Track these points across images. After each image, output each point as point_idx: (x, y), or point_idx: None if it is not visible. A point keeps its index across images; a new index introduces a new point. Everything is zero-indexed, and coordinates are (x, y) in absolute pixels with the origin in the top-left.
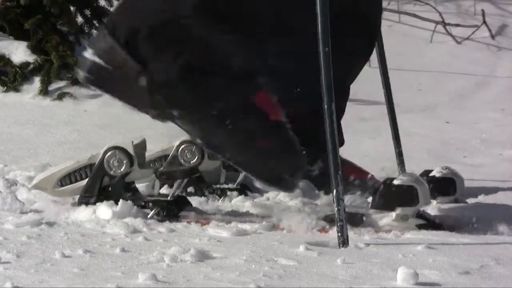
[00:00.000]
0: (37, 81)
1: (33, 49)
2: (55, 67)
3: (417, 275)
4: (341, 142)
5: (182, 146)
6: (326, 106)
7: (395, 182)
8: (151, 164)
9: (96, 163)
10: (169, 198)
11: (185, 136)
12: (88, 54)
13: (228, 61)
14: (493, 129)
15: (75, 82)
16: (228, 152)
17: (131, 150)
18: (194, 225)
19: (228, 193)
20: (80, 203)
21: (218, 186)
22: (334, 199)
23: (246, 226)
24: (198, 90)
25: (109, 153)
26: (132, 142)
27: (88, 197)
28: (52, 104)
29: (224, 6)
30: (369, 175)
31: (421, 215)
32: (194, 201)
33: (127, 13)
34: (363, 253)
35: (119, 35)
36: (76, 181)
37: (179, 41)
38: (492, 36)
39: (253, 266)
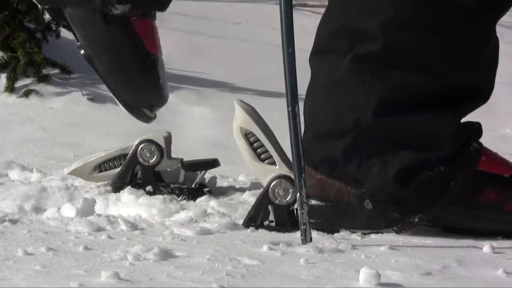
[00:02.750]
0: (3, 78)
1: (0, 46)
2: (21, 64)
3: (379, 275)
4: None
5: (141, 146)
6: (290, 108)
7: None
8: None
9: (130, 153)
10: (193, 186)
11: (143, 136)
12: None
13: None
14: None
15: (41, 79)
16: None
17: (162, 143)
18: (158, 224)
19: (187, 192)
20: (114, 188)
21: (177, 185)
22: (298, 202)
23: (210, 225)
24: None
25: (142, 145)
26: (163, 135)
27: (121, 183)
28: (18, 101)
29: None
30: None
31: None
32: (156, 200)
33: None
34: (326, 253)
35: None
36: (110, 168)
37: None
38: None
39: (216, 265)
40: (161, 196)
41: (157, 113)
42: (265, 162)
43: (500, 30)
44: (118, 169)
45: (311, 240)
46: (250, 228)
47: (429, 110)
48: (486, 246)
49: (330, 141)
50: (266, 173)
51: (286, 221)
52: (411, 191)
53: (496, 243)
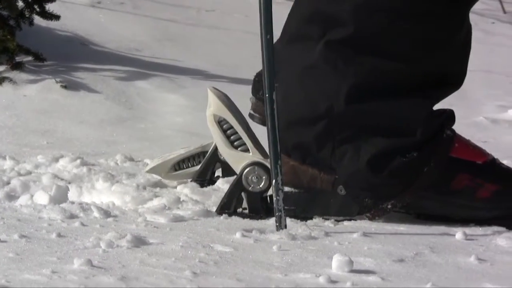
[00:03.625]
0: None
1: None
2: None
3: (352, 262)
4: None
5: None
6: (267, 95)
7: None
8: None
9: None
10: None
11: None
12: None
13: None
14: None
15: (14, 67)
16: None
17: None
18: (131, 211)
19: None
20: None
21: None
22: (273, 189)
23: (183, 213)
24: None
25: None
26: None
27: (202, 181)
28: None
29: None
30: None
31: None
32: (129, 187)
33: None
34: (299, 240)
35: None
36: (189, 167)
37: None
38: None
39: (189, 252)
40: (134, 184)
41: (130, 100)
42: (238, 149)
43: (474, 18)
44: (198, 167)
45: (285, 226)
46: (223, 215)
47: (401, 96)
48: (458, 233)
49: (303, 127)
50: (239, 160)
51: (259, 208)
52: (384, 177)
53: (468, 230)
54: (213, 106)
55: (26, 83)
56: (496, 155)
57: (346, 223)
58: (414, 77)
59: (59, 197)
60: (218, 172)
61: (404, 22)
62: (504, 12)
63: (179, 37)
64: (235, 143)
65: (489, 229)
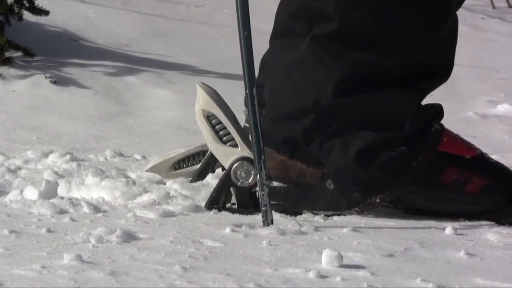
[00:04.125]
0: None
1: None
2: None
3: (342, 257)
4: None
5: None
6: (247, 91)
7: None
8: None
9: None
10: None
11: None
12: None
13: None
14: None
15: (4, 62)
16: None
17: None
18: (120, 206)
19: None
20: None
21: None
22: (258, 184)
23: (173, 208)
24: None
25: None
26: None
27: (202, 180)
28: None
29: None
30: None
31: None
32: (119, 182)
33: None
34: (289, 235)
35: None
36: (189, 166)
37: None
38: None
39: (179, 247)
40: (123, 179)
41: (120, 96)
42: (227, 144)
43: (463, 13)
44: (197, 166)
45: (272, 222)
46: (213, 210)
47: (388, 89)
48: (448, 228)
49: (291, 122)
50: (228, 155)
51: (248, 203)
52: (372, 171)
53: (458, 225)
54: (202, 101)
55: (16, 78)
56: (485, 150)
57: (335, 218)
58: (400, 70)
59: (49, 193)
60: (218, 171)
61: (389, 15)
62: (494, 7)
63: (168, 32)
64: (224, 138)
65: (478, 224)
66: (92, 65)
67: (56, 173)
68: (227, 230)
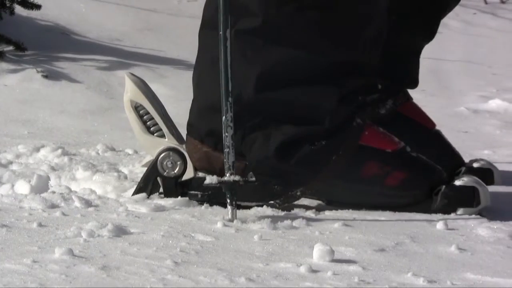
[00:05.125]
0: None
1: None
2: None
3: (333, 252)
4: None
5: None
6: (221, 32)
7: (457, 183)
8: None
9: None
10: None
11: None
12: None
13: None
14: None
15: None
16: None
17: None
18: (112, 201)
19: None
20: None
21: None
22: (223, 125)
23: (164, 202)
24: None
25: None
26: None
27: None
28: None
29: None
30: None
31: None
32: (111, 177)
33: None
34: (280, 230)
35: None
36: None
37: None
38: None
39: (170, 241)
40: (115, 173)
41: (112, 90)
42: (155, 134)
43: (455, 8)
44: None
45: (233, 166)
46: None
47: (309, 85)
48: (439, 223)
49: (215, 114)
50: (155, 146)
51: (175, 192)
52: (292, 165)
53: (449, 220)
54: (130, 91)
55: (7, 72)
56: (476, 145)
57: (327, 212)
58: (321, 66)
59: (40, 187)
60: None
61: (310, 14)
62: (486, 2)
63: (160, 27)
64: (152, 129)
65: (469, 220)
66: (83, 59)
67: (47, 167)
68: (219, 224)
